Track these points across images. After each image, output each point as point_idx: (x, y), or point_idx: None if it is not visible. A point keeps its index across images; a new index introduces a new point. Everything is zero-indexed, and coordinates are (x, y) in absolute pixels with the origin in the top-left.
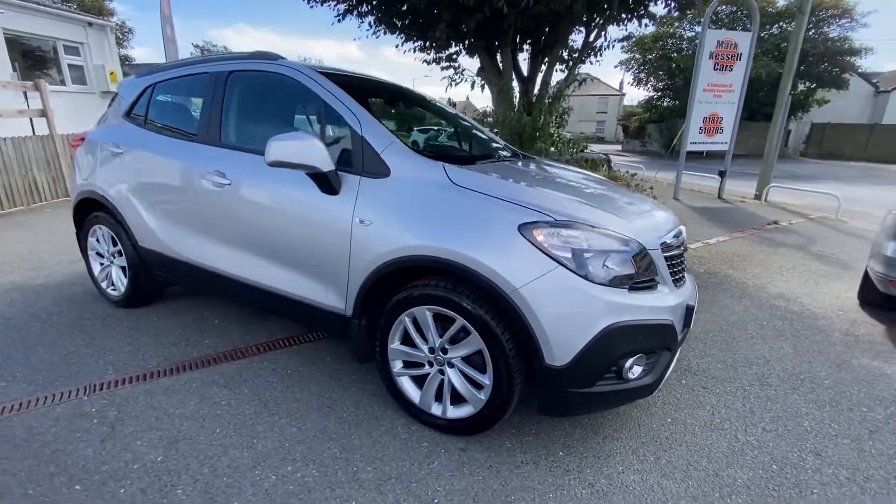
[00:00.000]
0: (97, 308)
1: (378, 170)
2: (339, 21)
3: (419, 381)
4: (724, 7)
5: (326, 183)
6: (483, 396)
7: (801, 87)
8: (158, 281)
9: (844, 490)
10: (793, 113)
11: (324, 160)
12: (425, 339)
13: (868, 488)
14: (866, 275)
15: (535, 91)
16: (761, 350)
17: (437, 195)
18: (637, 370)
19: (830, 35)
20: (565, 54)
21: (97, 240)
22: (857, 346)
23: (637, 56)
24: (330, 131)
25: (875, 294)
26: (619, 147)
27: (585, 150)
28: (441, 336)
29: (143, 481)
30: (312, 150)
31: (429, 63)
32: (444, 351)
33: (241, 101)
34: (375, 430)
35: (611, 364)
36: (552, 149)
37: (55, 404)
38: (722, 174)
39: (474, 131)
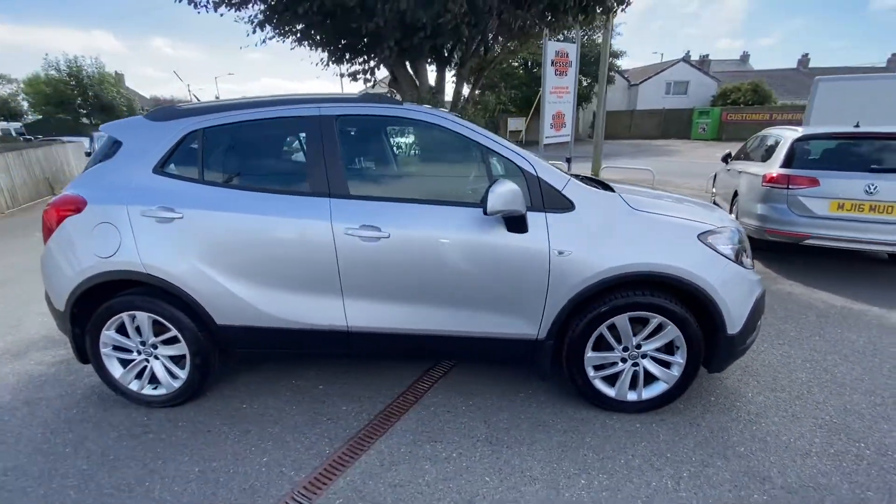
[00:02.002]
0: (132, 415)
1: (561, 205)
2: (254, 32)
3: (608, 379)
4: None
5: (520, 223)
6: (676, 373)
7: (584, 83)
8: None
9: (847, 366)
10: (580, 104)
11: (523, 203)
12: (619, 342)
13: (853, 359)
14: None
15: (447, 100)
16: None
17: (625, 220)
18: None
19: (598, 42)
20: (471, 66)
21: (120, 332)
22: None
23: None
24: (488, 172)
25: None
26: None
27: None
28: (634, 335)
29: None
30: (518, 195)
31: (343, 75)
32: (638, 346)
33: (368, 149)
34: (596, 430)
35: (756, 323)
36: None
37: None
38: (569, 160)
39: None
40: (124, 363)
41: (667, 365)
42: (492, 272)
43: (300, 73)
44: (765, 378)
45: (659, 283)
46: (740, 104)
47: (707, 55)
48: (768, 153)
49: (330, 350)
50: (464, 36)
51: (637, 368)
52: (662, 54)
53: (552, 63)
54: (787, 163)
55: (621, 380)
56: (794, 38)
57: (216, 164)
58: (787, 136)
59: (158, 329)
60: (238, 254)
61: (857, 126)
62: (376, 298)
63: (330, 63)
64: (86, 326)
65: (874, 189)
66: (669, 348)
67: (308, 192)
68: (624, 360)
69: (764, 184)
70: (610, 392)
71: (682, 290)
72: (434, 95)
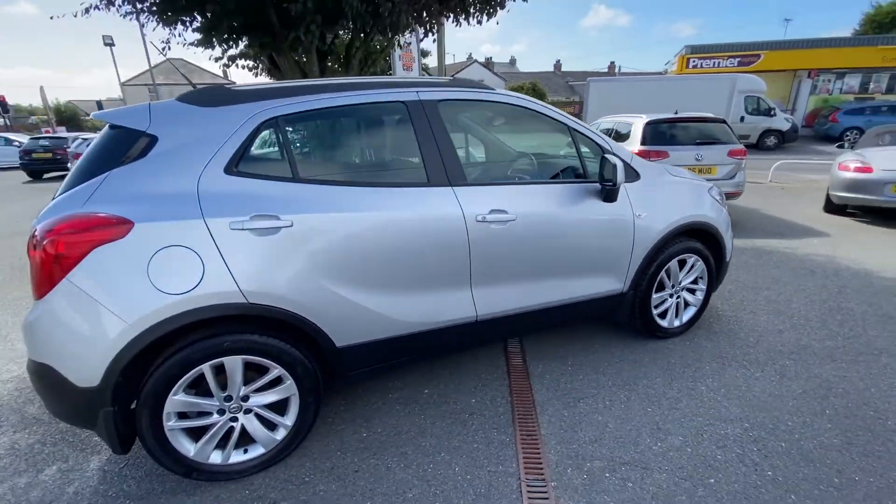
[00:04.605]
0: (221, 495)
1: (633, 176)
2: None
3: (661, 314)
4: None
5: (615, 194)
6: (700, 297)
7: None
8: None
9: (744, 276)
10: None
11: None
12: (669, 281)
13: (743, 271)
14: None
15: None
16: None
17: (670, 185)
18: None
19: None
20: (360, 56)
21: (192, 390)
22: None
23: None
24: (578, 152)
25: None
26: None
27: None
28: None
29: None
30: (622, 170)
31: (218, 60)
32: (680, 282)
33: (468, 133)
34: (668, 354)
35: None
36: None
37: None
38: None
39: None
40: (196, 434)
41: (693, 292)
42: (597, 240)
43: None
44: (716, 295)
45: (692, 229)
46: None
47: (490, 58)
48: (623, 136)
49: (455, 345)
50: (401, 26)
51: (679, 300)
52: (454, 55)
53: (399, 58)
54: (644, 141)
55: (671, 311)
56: (536, 45)
57: (304, 156)
58: (638, 122)
59: (255, 374)
60: (364, 259)
61: (677, 113)
62: (501, 282)
63: (192, 44)
64: (135, 399)
65: (701, 157)
66: (695, 279)
67: (426, 182)
68: (671, 296)
69: None
70: (664, 323)
71: (705, 231)
72: None
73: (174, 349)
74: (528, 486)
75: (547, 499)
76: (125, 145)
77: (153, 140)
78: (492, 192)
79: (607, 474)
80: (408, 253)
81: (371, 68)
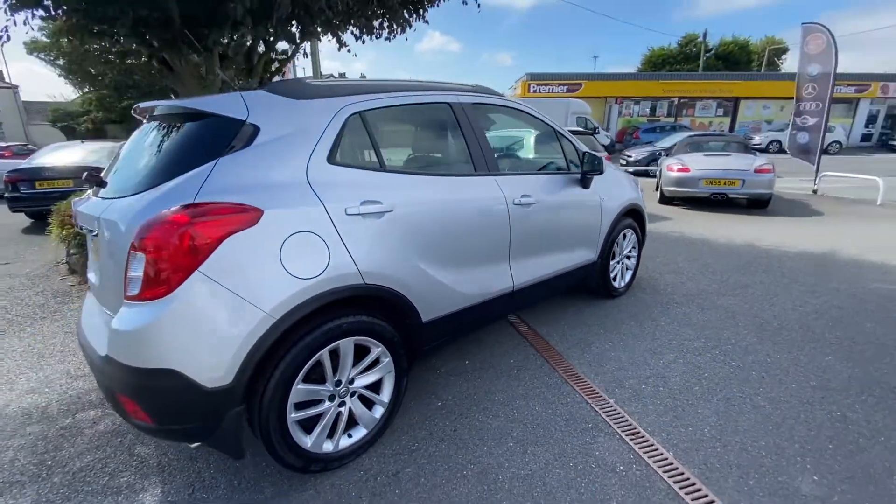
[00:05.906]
0: (335, 481)
1: (599, 169)
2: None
3: (614, 278)
4: None
5: (589, 181)
6: (634, 262)
7: None
8: None
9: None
10: None
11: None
12: (618, 250)
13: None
14: None
15: None
16: None
17: (619, 175)
18: None
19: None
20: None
21: (309, 378)
22: None
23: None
24: (562, 149)
25: None
26: None
27: None
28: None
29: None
30: (605, 162)
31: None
32: (622, 251)
33: (494, 130)
34: (629, 307)
35: None
36: None
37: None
38: None
39: None
40: (308, 426)
41: (630, 258)
42: (581, 219)
43: None
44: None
45: (629, 209)
46: None
47: (344, 73)
48: None
49: (498, 315)
50: (339, 29)
51: (622, 266)
52: (304, 69)
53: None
54: None
55: (619, 275)
56: (376, 64)
57: (384, 148)
58: (528, 136)
59: (361, 353)
60: (442, 238)
61: None
62: (527, 256)
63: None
64: (262, 394)
65: None
66: (631, 248)
67: (473, 172)
68: (618, 263)
69: None
70: (616, 284)
71: (635, 210)
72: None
73: (299, 335)
74: (596, 405)
75: (615, 409)
76: (226, 134)
77: (256, 129)
78: (517, 180)
79: (643, 386)
80: (471, 233)
81: (275, 75)
